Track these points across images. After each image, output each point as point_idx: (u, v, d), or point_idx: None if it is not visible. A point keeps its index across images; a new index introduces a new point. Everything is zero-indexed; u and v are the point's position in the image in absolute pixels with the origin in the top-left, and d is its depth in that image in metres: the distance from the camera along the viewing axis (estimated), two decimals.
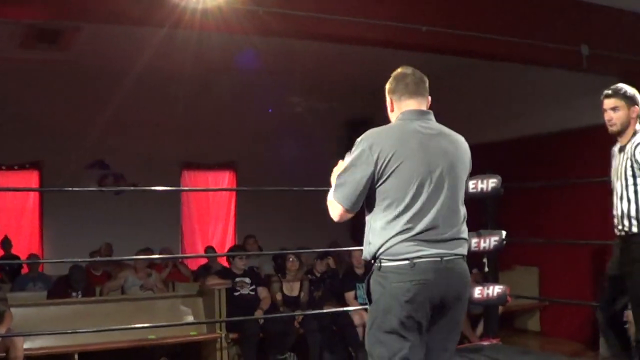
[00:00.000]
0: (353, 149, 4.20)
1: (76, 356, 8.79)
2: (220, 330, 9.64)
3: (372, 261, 4.16)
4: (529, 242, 10.64)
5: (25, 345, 8.44)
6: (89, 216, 14.24)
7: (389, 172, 4.08)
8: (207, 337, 9.76)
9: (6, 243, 13.38)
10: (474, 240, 7.97)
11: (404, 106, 4.39)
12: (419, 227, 4.04)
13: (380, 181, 4.10)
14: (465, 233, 4.24)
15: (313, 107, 14.49)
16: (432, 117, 4.38)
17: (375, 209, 4.17)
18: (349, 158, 4.19)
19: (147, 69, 12.04)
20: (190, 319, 9.97)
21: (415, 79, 4.44)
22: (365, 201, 4.19)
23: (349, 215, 4.17)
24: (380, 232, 4.09)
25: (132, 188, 14.12)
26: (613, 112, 5.73)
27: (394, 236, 4.04)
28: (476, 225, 8.33)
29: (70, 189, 12.40)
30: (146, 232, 13.70)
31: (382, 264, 4.07)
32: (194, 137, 14.87)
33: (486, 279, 8.56)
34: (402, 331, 4.03)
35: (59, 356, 9.11)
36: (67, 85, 13.37)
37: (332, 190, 4.21)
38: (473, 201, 8.25)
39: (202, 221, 16.04)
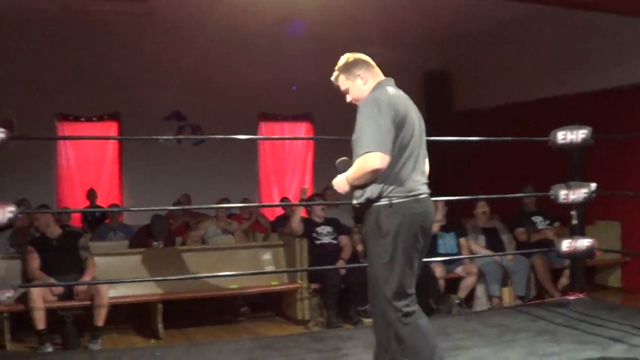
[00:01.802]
0: (365, 110, 4.77)
1: (159, 305, 8.85)
2: (302, 280, 9.64)
3: (376, 199, 4.76)
4: (617, 194, 10.39)
5: (109, 294, 8.52)
6: (167, 167, 14.38)
7: (400, 125, 4.73)
8: (288, 287, 9.75)
9: (91, 194, 13.57)
10: (563, 192, 7.81)
11: (377, 75, 5.06)
12: (418, 170, 4.87)
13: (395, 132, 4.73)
14: None
15: (389, 58, 14.30)
16: None
17: None
18: (365, 119, 4.74)
19: (225, 20, 11.99)
20: (271, 269, 10.00)
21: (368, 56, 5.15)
22: None
23: (387, 161, 4.67)
24: (391, 174, 4.73)
25: (210, 136, 14.17)
26: None
27: (403, 177, 4.76)
28: (562, 177, 8.18)
29: (150, 137, 12.46)
30: (224, 184, 13.77)
31: (393, 201, 4.73)
32: (271, 88, 14.84)
33: (573, 232, 8.40)
34: (412, 257, 4.76)
35: (143, 305, 9.22)
36: (145, 38, 13.39)
37: (362, 150, 4.68)
38: (559, 152, 8.12)
39: (279, 172, 16.07)
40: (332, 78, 5.11)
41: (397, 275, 4.71)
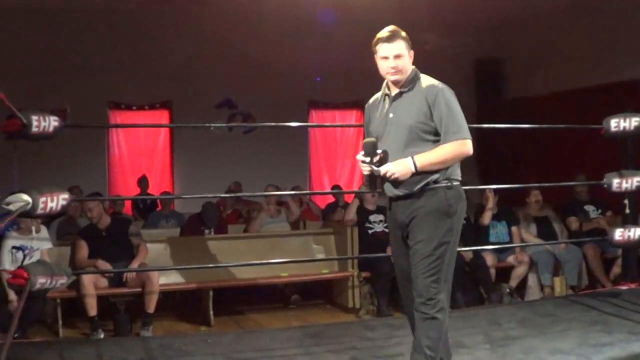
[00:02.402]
0: (449, 96, 4.78)
1: (211, 292, 8.90)
2: (352, 268, 9.65)
3: (443, 180, 4.78)
4: None
5: (160, 281, 8.59)
6: (218, 155, 14.46)
7: None
8: (339, 276, 9.79)
9: (143, 182, 13.66)
10: (616, 181, 7.70)
11: None
12: None
13: None
14: None
15: (442, 45, 14.26)
16: None
17: None
18: (452, 105, 4.76)
19: (276, 7, 12.00)
20: (322, 257, 9.99)
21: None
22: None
23: None
24: None
25: (260, 124, 14.22)
26: None
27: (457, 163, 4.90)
28: (616, 165, 8.08)
29: (202, 124, 12.52)
30: (274, 171, 13.77)
31: (453, 184, 4.81)
32: (322, 76, 14.84)
33: (626, 221, 8.30)
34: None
35: (194, 291, 9.29)
36: (195, 25, 13.48)
37: (458, 135, 4.72)
38: (612, 140, 8.03)
39: (330, 160, 16.09)
40: (389, 33, 4.83)
41: (452, 259, 4.79)
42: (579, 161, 11.97)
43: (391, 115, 4.92)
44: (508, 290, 9.60)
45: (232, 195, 11.68)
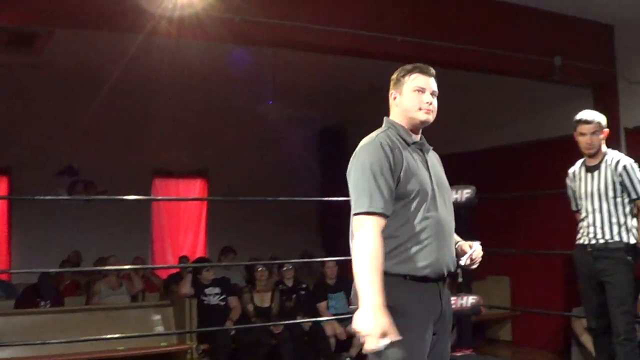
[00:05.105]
0: None
1: None
2: (191, 341, 9.55)
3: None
4: (503, 252, 10.59)
5: None
6: (58, 224, 14.09)
7: None
8: (178, 349, 9.63)
9: None
10: None
11: None
12: None
13: None
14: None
15: (287, 116, 14.40)
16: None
17: None
18: None
19: (121, 76, 11.91)
20: (160, 329, 9.85)
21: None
22: None
23: None
24: None
25: (101, 197, 14.01)
26: (594, 135, 6.20)
27: None
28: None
29: (39, 197, 12.22)
30: (116, 241, 13.54)
31: None
32: (166, 144, 14.75)
33: (460, 290, 8.53)
34: None
35: None
36: (38, 91, 13.21)
37: None
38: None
39: (173, 230, 15.89)
40: (426, 65, 4.26)
41: None
42: None
43: (431, 170, 4.14)
44: (348, 359, 9.69)
45: (66, 270, 11.48)
